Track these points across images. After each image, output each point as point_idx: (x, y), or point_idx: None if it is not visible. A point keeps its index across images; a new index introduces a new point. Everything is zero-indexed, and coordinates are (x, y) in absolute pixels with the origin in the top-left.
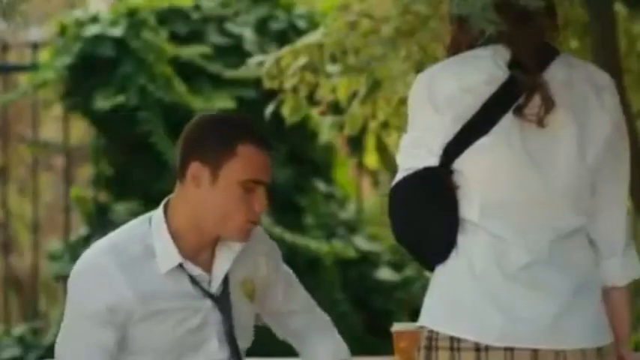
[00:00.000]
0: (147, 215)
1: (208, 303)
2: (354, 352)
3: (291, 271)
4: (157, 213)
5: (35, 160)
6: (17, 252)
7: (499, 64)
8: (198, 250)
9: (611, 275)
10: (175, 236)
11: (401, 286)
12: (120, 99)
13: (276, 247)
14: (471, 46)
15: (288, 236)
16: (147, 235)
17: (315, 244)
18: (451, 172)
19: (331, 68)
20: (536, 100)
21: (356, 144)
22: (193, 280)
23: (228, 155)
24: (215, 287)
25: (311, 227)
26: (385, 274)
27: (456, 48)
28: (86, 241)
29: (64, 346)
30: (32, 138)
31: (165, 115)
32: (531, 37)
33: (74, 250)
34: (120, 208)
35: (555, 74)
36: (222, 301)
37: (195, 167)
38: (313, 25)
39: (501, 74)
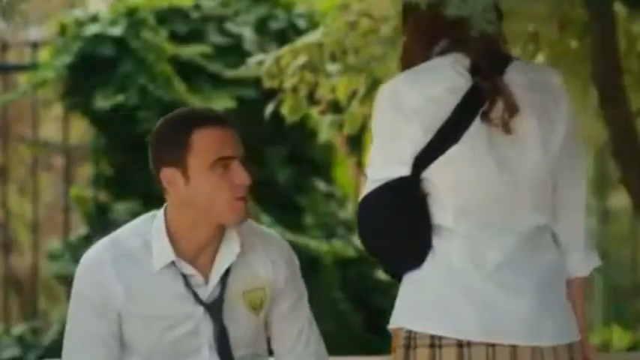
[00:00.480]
0: (152, 213)
1: (199, 309)
2: (354, 350)
3: (305, 294)
4: (160, 212)
5: (35, 160)
6: (17, 252)
7: (460, 72)
8: (197, 251)
9: (575, 269)
10: (173, 237)
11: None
12: (120, 98)
13: (295, 261)
14: (425, 57)
15: (288, 236)
16: (148, 232)
17: (314, 243)
18: (421, 180)
19: (331, 67)
20: (500, 104)
21: (355, 143)
22: (187, 283)
23: (187, 149)
24: (209, 293)
25: (311, 227)
26: (384, 273)
27: (410, 59)
28: (86, 241)
29: (68, 337)
30: (32, 138)
31: (164, 115)
32: (487, 45)
33: (74, 250)
34: (120, 207)
35: (514, 78)
36: (214, 309)
37: (166, 173)
38: (313, 24)
39: (464, 82)
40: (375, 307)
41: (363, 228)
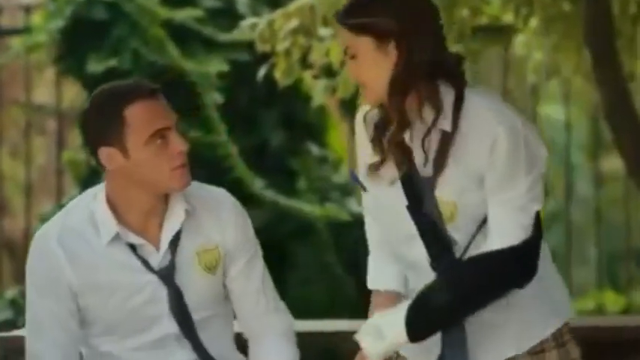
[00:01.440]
0: (98, 186)
1: (153, 278)
2: (348, 315)
3: (259, 251)
4: (102, 185)
5: (28, 124)
6: (10, 215)
7: None
8: (143, 220)
9: None
10: (116, 210)
11: None
12: (112, 62)
13: (245, 216)
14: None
15: (282, 200)
16: (92, 205)
17: (308, 207)
18: None
19: (324, 31)
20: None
21: (348, 107)
22: (135, 252)
23: (122, 127)
24: (161, 259)
25: (304, 191)
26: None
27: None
28: None
29: (28, 321)
30: (25, 101)
31: (157, 79)
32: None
33: None
34: None
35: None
36: (167, 274)
37: (104, 152)
38: None
39: None
40: None
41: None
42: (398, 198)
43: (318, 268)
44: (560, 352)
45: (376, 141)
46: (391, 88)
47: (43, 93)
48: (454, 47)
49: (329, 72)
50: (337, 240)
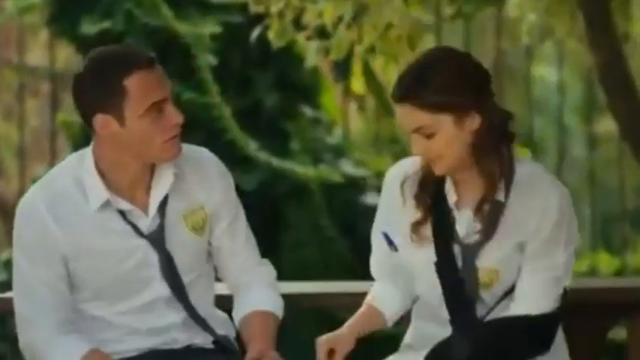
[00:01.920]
0: (82, 151)
1: (143, 242)
2: (341, 276)
3: (241, 209)
4: (88, 150)
5: (21, 86)
6: (4, 177)
7: None
8: (132, 186)
9: None
10: (105, 175)
11: None
12: (106, 24)
13: (228, 175)
14: None
15: (275, 161)
16: (78, 170)
17: (301, 169)
18: None
19: None
20: None
21: (342, 69)
22: (125, 218)
23: (121, 96)
24: (150, 223)
25: (297, 152)
26: (371, 198)
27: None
28: None
29: (15, 286)
30: (18, 63)
31: (152, 41)
32: None
33: None
34: None
35: None
36: (156, 238)
37: (100, 119)
38: None
39: None
40: (362, 233)
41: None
42: (426, 256)
43: (310, 230)
44: None
45: (421, 200)
46: (478, 155)
47: (37, 55)
48: (448, 9)
49: (322, 33)
50: (330, 202)
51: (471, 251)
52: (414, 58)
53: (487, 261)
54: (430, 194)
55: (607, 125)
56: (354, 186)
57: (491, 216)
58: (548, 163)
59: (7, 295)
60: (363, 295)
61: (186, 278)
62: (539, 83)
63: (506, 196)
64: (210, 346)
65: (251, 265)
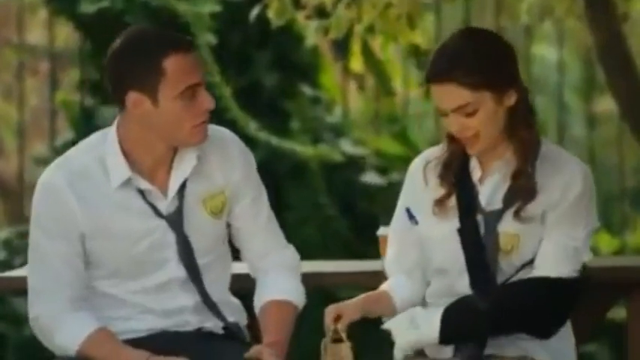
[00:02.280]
0: (104, 130)
1: (162, 223)
2: (340, 255)
3: (264, 191)
4: (112, 128)
5: (21, 65)
6: (3, 157)
7: None
8: (153, 167)
9: None
10: (127, 152)
11: (386, 189)
12: (105, 3)
13: (250, 155)
14: None
15: (274, 140)
16: (101, 148)
17: (300, 148)
18: None
19: None
20: None
21: (341, 48)
22: (145, 197)
23: (158, 76)
24: (169, 205)
25: (297, 131)
26: (371, 177)
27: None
28: (72, 146)
29: (31, 260)
30: (18, 42)
31: (151, 19)
32: None
33: (60, 155)
34: (105, 112)
35: None
36: (175, 220)
37: (133, 96)
38: None
39: None
40: (362, 211)
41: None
42: (449, 227)
43: (310, 209)
44: None
45: (445, 178)
46: (513, 130)
47: (36, 34)
48: None
49: (322, 12)
50: (330, 181)
51: (493, 217)
52: (447, 39)
53: (508, 226)
54: (454, 173)
55: (607, 104)
56: (354, 165)
57: (515, 184)
58: (549, 142)
59: (7, 274)
60: (362, 274)
61: (201, 261)
62: (539, 62)
63: (532, 166)
64: (220, 331)
65: (272, 247)
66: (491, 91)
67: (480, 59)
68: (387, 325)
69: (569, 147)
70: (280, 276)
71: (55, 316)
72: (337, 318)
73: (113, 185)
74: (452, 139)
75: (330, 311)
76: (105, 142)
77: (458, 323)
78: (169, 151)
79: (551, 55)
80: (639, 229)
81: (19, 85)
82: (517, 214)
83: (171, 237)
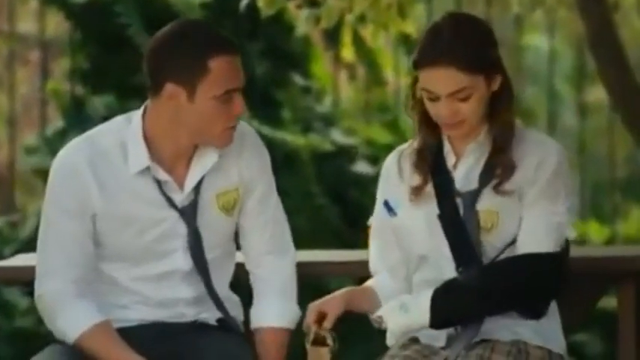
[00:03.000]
0: (129, 114)
1: (174, 214)
2: (331, 245)
3: (274, 187)
4: (137, 114)
5: (11, 54)
6: None
7: None
8: (173, 159)
9: None
10: (150, 141)
11: (377, 179)
12: None
13: (265, 152)
14: None
15: (265, 130)
16: (124, 132)
17: (291, 137)
18: None
19: None
20: None
21: (332, 37)
22: (160, 188)
23: (201, 74)
24: (184, 198)
25: (287, 121)
26: (361, 167)
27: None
28: (62, 135)
29: (43, 237)
30: (8, 31)
31: (141, 9)
32: None
33: (50, 144)
34: (96, 101)
35: None
36: (188, 213)
37: (170, 88)
38: None
39: None
40: (352, 201)
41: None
42: (427, 213)
43: (301, 198)
44: None
45: (420, 166)
46: (496, 113)
47: (27, 23)
48: None
49: (312, 2)
50: (320, 170)
51: (471, 197)
52: (436, 24)
53: (486, 204)
54: (429, 160)
55: (598, 94)
56: (344, 154)
57: (488, 161)
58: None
59: (2, 264)
60: (352, 264)
61: (208, 255)
62: (530, 52)
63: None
64: (214, 323)
65: (270, 249)
66: (485, 75)
67: (474, 43)
68: (379, 311)
69: (560, 136)
70: (274, 299)
71: (60, 298)
72: (321, 316)
73: (131, 172)
74: (425, 126)
75: (312, 311)
76: (128, 126)
77: (447, 305)
78: (191, 146)
79: (542, 44)
80: (630, 219)
81: (10, 75)
82: (496, 189)
83: (181, 228)
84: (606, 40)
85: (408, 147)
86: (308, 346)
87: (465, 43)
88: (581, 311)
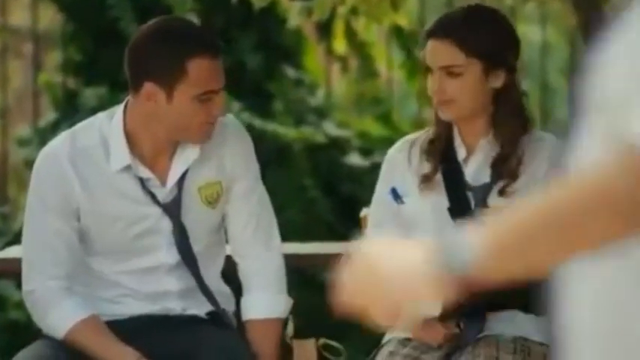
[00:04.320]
0: (112, 109)
1: (157, 210)
2: (324, 237)
3: (259, 179)
4: (119, 109)
5: (4, 47)
6: None
7: None
8: (154, 154)
9: None
10: (130, 137)
11: (370, 171)
12: None
13: (249, 142)
14: None
15: (257, 122)
16: (106, 129)
17: (283, 129)
18: None
19: None
20: None
21: (325, 29)
22: (143, 185)
23: (179, 74)
24: (167, 193)
25: (280, 113)
26: (354, 159)
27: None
28: (55, 127)
29: (27, 233)
30: (1, 24)
31: (134, 1)
32: None
33: (43, 136)
34: (88, 93)
35: None
36: (172, 209)
37: (149, 87)
38: None
39: None
40: (345, 193)
41: None
42: (436, 203)
43: (293, 191)
44: None
45: (431, 153)
46: (504, 115)
47: (19, 16)
48: None
49: None
50: (313, 162)
51: (483, 191)
52: (461, 6)
53: (497, 199)
54: (439, 150)
55: None
56: (337, 147)
57: (499, 157)
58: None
59: None
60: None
61: (196, 247)
62: (523, 43)
63: (520, 147)
64: (205, 316)
65: (254, 240)
66: (482, 62)
67: (480, 29)
68: None
69: (553, 129)
70: (266, 291)
71: (50, 295)
72: None
73: (112, 168)
74: (440, 119)
75: None
76: (111, 121)
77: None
78: (171, 142)
79: (535, 36)
80: None
81: (2, 67)
82: (502, 192)
83: (165, 224)
84: (599, 32)
85: (421, 136)
86: (294, 340)
87: (470, 25)
88: None
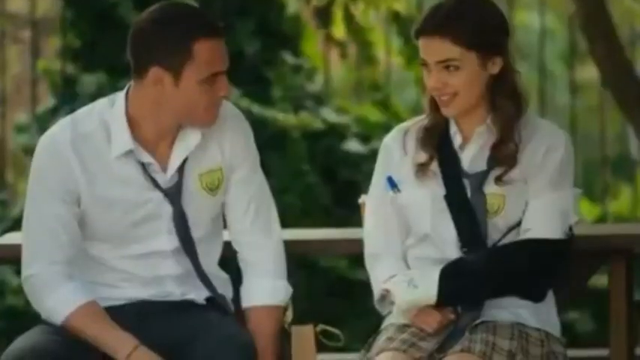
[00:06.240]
0: (113, 95)
1: (158, 195)
2: (322, 223)
3: (259, 170)
4: (121, 95)
5: (2, 33)
6: None
7: None
8: (157, 140)
9: None
10: (132, 122)
11: (368, 157)
12: None
13: (248, 129)
14: None
15: (256, 108)
16: (107, 114)
17: (282, 116)
18: None
19: None
20: None
21: (324, 15)
22: (144, 170)
23: (186, 58)
24: (168, 179)
25: (279, 99)
26: (353, 145)
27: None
28: (53, 113)
29: (28, 218)
30: None
31: None
32: None
33: (41, 122)
34: (87, 79)
35: None
36: (173, 194)
37: (155, 72)
38: None
39: None
40: (343, 179)
41: None
42: (433, 191)
43: (292, 177)
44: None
45: (427, 141)
46: (500, 99)
47: (18, 2)
48: None
49: None
50: (311, 149)
51: (478, 179)
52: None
53: (493, 187)
54: (435, 138)
55: (589, 72)
56: (336, 133)
57: (496, 145)
58: (530, 110)
59: None
60: (343, 242)
61: (196, 234)
62: (522, 30)
63: (517, 134)
64: (203, 302)
65: (253, 226)
66: (479, 53)
67: (471, 20)
68: (386, 285)
69: (551, 115)
70: (266, 278)
71: (46, 281)
72: None
73: (114, 154)
74: (435, 105)
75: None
76: (112, 108)
77: (455, 284)
78: (175, 126)
79: (534, 22)
80: (620, 197)
81: (1, 54)
82: (499, 179)
83: (165, 209)
84: (597, 18)
85: (414, 124)
86: (290, 326)
87: (461, 17)
88: (572, 289)
